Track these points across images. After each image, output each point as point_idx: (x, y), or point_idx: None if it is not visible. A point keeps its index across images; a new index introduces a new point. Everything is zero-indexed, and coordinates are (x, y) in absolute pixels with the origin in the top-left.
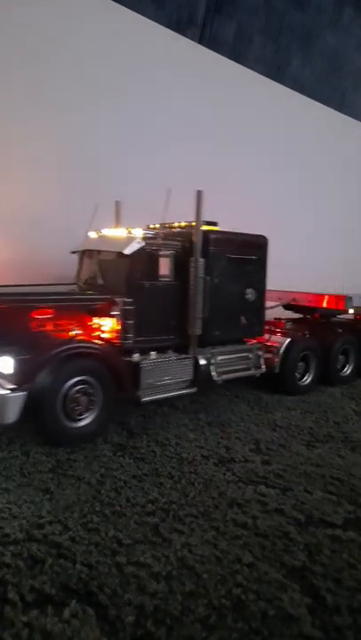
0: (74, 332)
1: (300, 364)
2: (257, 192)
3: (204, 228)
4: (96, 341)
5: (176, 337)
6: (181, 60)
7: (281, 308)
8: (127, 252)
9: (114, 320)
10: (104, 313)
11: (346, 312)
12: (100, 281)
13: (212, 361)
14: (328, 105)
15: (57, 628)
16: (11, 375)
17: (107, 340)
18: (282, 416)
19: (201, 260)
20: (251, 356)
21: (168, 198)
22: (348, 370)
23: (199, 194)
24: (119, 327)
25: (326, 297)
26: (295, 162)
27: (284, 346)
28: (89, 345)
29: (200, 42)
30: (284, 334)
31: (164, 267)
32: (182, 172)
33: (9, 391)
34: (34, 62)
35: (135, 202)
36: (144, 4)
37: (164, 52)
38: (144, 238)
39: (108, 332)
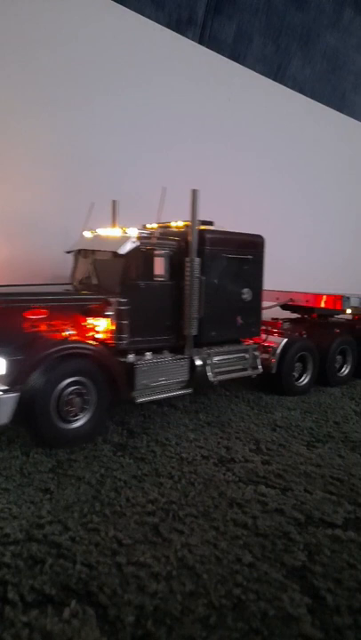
0: (67, 333)
1: (298, 364)
2: (257, 192)
3: (200, 227)
4: (90, 342)
5: (172, 337)
6: (181, 60)
7: (279, 307)
8: (122, 251)
9: (108, 320)
10: (98, 313)
11: (343, 312)
12: (95, 281)
13: (208, 361)
14: (328, 105)
15: (57, 628)
16: (3, 376)
17: (101, 341)
18: (282, 416)
19: (197, 260)
20: (247, 356)
21: (163, 197)
22: (345, 370)
23: (194, 193)
24: (114, 327)
25: (324, 297)
26: (295, 162)
27: (281, 346)
28: (82, 345)
29: (200, 42)
30: (281, 334)
31: (159, 266)
32: (182, 172)
33: (1, 392)
34: (33, 62)
35: (134, 201)
36: (144, 4)
37: (164, 52)
38: (139, 238)
39: (103, 332)
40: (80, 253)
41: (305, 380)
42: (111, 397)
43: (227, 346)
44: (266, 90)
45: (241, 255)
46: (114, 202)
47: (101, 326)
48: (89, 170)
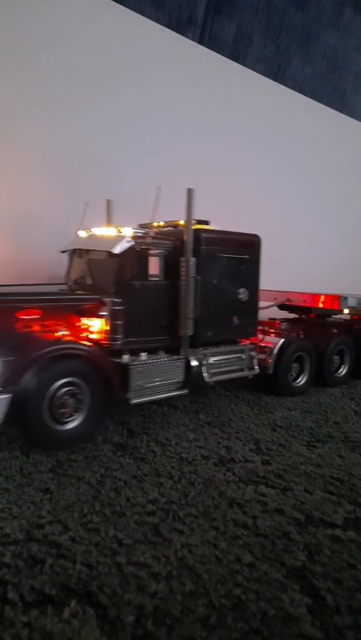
0: (60, 333)
1: (295, 364)
2: (257, 192)
3: (196, 226)
4: (83, 342)
5: (167, 338)
6: (181, 60)
7: (276, 308)
8: (116, 251)
9: (102, 320)
10: (92, 313)
11: (341, 312)
12: (90, 281)
13: (204, 362)
14: (328, 105)
15: (57, 628)
16: None
17: (95, 341)
18: (282, 416)
19: (192, 260)
20: (244, 356)
21: (158, 196)
22: (343, 371)
23: (190, 192)
24: (108, 328)
25: (321, 297)
26: (295, 162)
27: (278, 346)
28: (76, 346)
29: (200, 42)
30: (278, 335)
31: (154, 266)
32: (182, 171)
33: None
34: (32, 61)
35: (134, 201)
36: (144, 4)
37: (164, 52)
38: (134, 237)
39: (97, 332)
40: (75, 253)
41: (302, 380)
42: (105, 398)
43: (223, 346)
44: (266, 90)
45: (237, 255)
46: (108, 201)
47: (96, 327)
48: (89, 170)
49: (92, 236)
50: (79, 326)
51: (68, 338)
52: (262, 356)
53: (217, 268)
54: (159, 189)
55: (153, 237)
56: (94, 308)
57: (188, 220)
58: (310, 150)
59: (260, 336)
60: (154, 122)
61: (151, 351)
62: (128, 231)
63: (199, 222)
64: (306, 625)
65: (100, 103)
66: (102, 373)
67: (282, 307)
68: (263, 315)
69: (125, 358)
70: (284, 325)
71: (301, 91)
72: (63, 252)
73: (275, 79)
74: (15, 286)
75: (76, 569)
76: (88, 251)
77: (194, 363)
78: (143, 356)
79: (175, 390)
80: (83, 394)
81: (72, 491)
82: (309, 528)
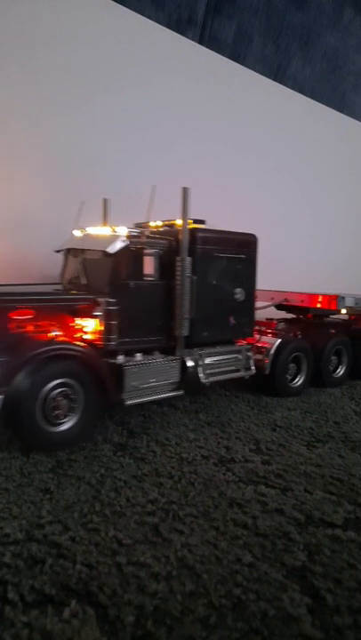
0: (54, 334)
1: (292, 365)
2: (257, 192)
3: (192, 226)
4: (77, 343)
5: (163, 338)
6: (181, 60)
7: (274, 308)
8: (111, 250)
9: (97, 321)
10: (86, 313)
11: (338, 312)
12: (84, 280)
13: (200, 362)
14: (328, 105)
15: (57, 628)
16: None
17: (89, 342)
18: (282, 416)
19: (188, 259)
20: (240, 357)
21: (153, 196)
22: (340, 371)
23: (185, 191)
24: (102, 328)
25: (319, 297)
26: (295, 162)
27: (275, 347)
28: (69, 347)
29: (200, 42)
30: (275, 335)
31: (149, 266)
32: (182, 171)
33: None
34: (32, 61)
35: (134, 201)
36: (144, 4)
37: (164, 52)
38: (128, 237)
39: (91, 333)
40: (70, 252)
41: (299, 381)
42: (100, 399)
43: (219, 347)
44: (266, 90)
45: (233, 254)
46: (105, 200)
47: (90, 327)
48: (89, 170)
49: (86, 236)
50: (73, 327)
51: (61, 338)
52: (259, 357)
53: (213, 267)
54: (154, 188)
55: (148, 237)
56: (88, 308)
57: (183, 220)
58: (310, 150)
59: (257, 336)
60: (154, 122)
61: (146, 352)
62: (123, 230)
63: (195, 221)
64: (306, 625)
65: (99, 103)
66: (96, 374)
67: (280, 307)
68: (261, 315)
69: (120, 359)
70: (281, 325)
71: (301, 91)
72: (58, 251)
73: (275, 79)
74: (8, 286)
75: (76, 569)
76: (83, 250)
77: (190, 363)
78: (138, 356)
79: (171, 391)
80: (76, 395)
81: (72, 491)
82: (309, 528)
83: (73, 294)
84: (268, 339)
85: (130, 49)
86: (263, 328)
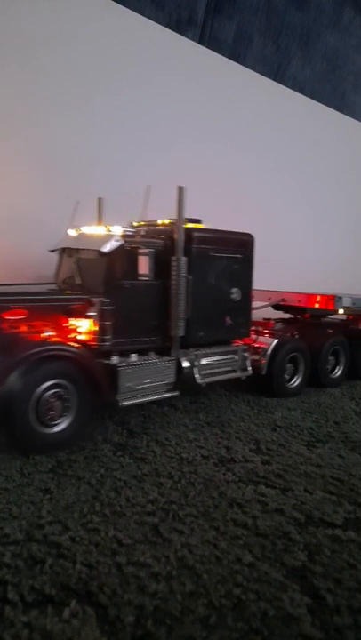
0: (47, 334)
1: (289, 365)
2: (257, 192)
3: (187, 225)
4: (70, 343)
5: (158, 338)
6: (181, 60)
7: (272, 308)
8: (105, 250)
9: (91, 321)
10: (81, 314)
11: (336, 312)
12: (79, 280)
13: (196, 363)
14: (328, 105)
15: (57, 628)
16: None
17: (83, 342)
18: (282, 416)
19: (183, 259)
20: (236, 357)
21: (148, 195)
22: (338, 371)
23: (181, 190)
24: (96, 328)
25: (316, 297)
26: (295, 162)
27: (272, 347)
28: (63, 347)
29: (200, 42)
30: (272, 335)
31: (144, 265)
32: (182, 171)
33: None
34: (32, 61)
35: (134, 201)
36: (144, 4)
37: (164, 52)
38: (123, 236)
39: (85, 333)
40: (64, 252)
41: (296, 381)
42: (94, 401)
43: (215, 347)
44: (266, 90)
45: (230, 254)
46: (99, 199)
47: (84, 327)
48: (89, 170)
49: (81, 235)
50: (67, 327)
51: (54, 339)
52: (256, 357)
53: (209, 267)
54: (149, 188)
55: (143, 236)
56: (82, 308)
57: (178, 219)
58: (310, 150)
59: (254, 336)
60: (154, 122)
61: (141, 352)
62: (117, 230)
63: (191, 221)
64: (306, 625)
65: (99, 103)
66: (90, 375)
67: (277, 307)
68: (258, 315)
69: (115, 359)
70: (278, 326)
71: (301, 91)
72: (52, 251)
73: (275, 79)
74: (1, 286)
75: (76, 569)
76: (77, 250)
77: (185, 364)
78: (133, 357)
79: (166, 392)
80: (70, 396)
81: (72, 491)
82: (309, 528)
83: (67, 294)
84: (264, 339)
85: (130, 49)
86: (260, 328)
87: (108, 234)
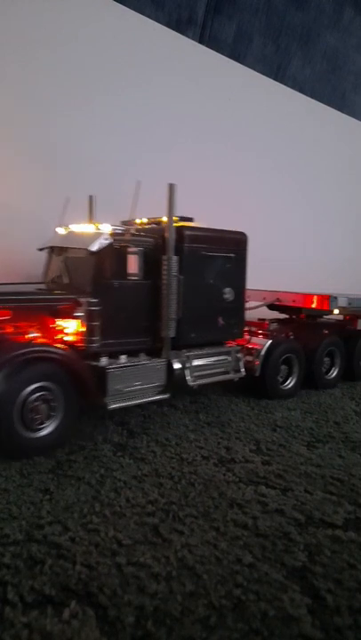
0: (31, 335)
1: (283, 367)
2: (257, 191)
3: (179, 223)
4: (57, 345)
5: (148, 339)
6: (181, 60)
7: (266, 308)
8: (93, 248)
9: (78, 322)
10: (68, 314)
11: (331, 312)
12: (67, 280)
13: (188, 365)
14: (328, 105)
15: (57, 629)
16: None
17: (70, 344)
18: (282, 416)
19: (174, 258)
20: (229, 359)
21: (137, 192)
22: (333, 373)
23: (171, 187)
24: (84, 329)
25: (311, 297)
26: (295, 162)
27: (265, 348)
28: (48, 349)
29: (200, 42)
30: (266, 336)
31: (134, 264)
32: (182, 171)
33: None
34: (32, 61)
35: (131, 199)
36: (144, 4)
37: (164, 51)
38: (112, 234)
39: (73, 334)
40: (53, 251)
41: (291, 383)
42: (81, 404)
43: (207, 348)
44: (266, 90)
45: (222, 253)
46: (91, 197)
47: (71, 328)
48: (88, 169)
49: (70, 234)
50: (53, 328)
51: (40, 340)
52: (249, 358)
53: (201, 266)
54: (138, 184)
55: (133, 234)
56: (69, 308)
57: (169, 217)
58: (310, 150)
59: (247, 337)
60: (154, 121)
61: (131, 353)
62: (107, 228)
63: (183, 219)
64: (306, 625)
65: (99, 102)
66: (77, 377)
67: (273, 307)
68: (253, 315)
69: (103, 361)
70: (273, 326)
71: (301, 90)
72: (41, 249)
73: (275, 79)
74: None
75: (76, 569)
76: (66, 248)
77: (176, 365)
78: (122, 358)
79: (156, 394)
80: (56, 399)
81: (72, 491)
82: (310, 528)
83: (53, 294)
84: (258, 340)
85: (130, 49)
86: (254, 329)
87: (96, 232)
